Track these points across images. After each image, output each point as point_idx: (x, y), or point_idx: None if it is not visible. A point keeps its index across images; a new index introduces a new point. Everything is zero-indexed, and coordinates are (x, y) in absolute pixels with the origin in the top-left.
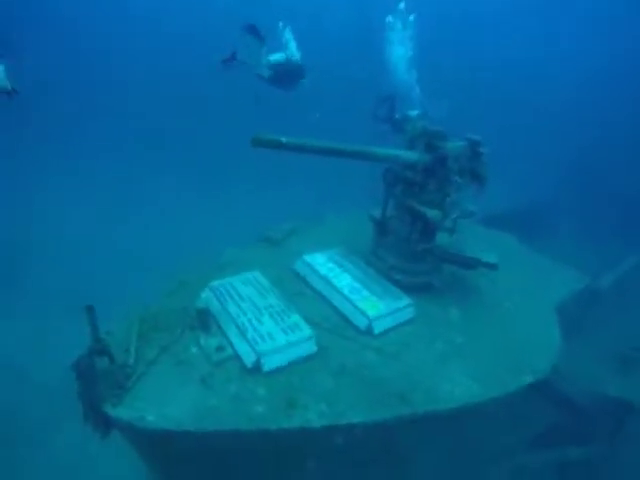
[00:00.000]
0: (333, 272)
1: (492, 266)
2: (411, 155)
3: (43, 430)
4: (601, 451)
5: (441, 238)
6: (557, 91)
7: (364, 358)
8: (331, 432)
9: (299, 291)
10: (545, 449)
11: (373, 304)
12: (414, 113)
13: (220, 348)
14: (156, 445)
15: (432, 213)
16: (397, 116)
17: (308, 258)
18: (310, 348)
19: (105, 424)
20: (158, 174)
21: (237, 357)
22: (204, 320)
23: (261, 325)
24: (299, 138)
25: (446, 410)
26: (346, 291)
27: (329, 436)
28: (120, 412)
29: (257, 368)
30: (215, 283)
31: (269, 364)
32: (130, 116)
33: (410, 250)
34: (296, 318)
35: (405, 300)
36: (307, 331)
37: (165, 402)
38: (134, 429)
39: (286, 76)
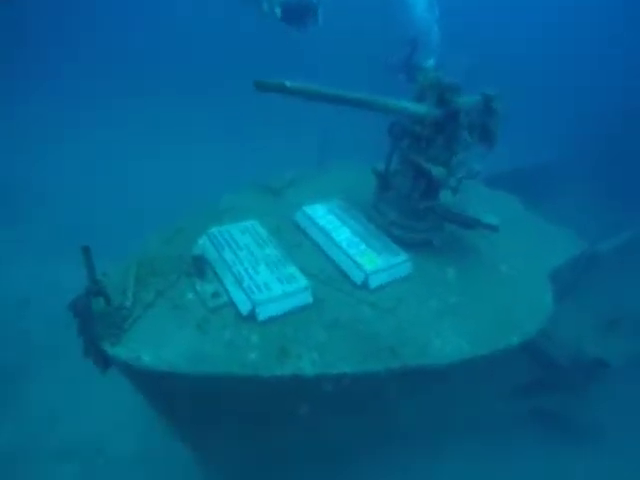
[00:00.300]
0: (332, 225)
1: (493, 228)
2: (420, 108)
3: (43, 358)
4: (572, 403)
5: (444, 196)
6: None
7: (358, 312)
8: (322, 380)
9: (297, 242)
10: (522, 399)
11: (371, 259)
12: (429, 62)
13: (216, 294)
14: (151, 384)
15: (437, 170)
16: (415, 63)
17: (308, 209)
18: (306, 299)
19: (104, 361)
20: (160, 119)
21: (232, 304)
22: (200, 266)
23: (257, 274)
24: (304, 83)
25: (434, 365)
26: (344, 244)
27: (320, 384)
28: (118, 351)
29: (252, 316)
30: (213, 230)
31: (264, 313)
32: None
33: (411, 207)
34: (293, 269)
35: (403, 256)
36: (303, 282)
37: (161, 344)
38: (131, 368)
39: (298, 13)
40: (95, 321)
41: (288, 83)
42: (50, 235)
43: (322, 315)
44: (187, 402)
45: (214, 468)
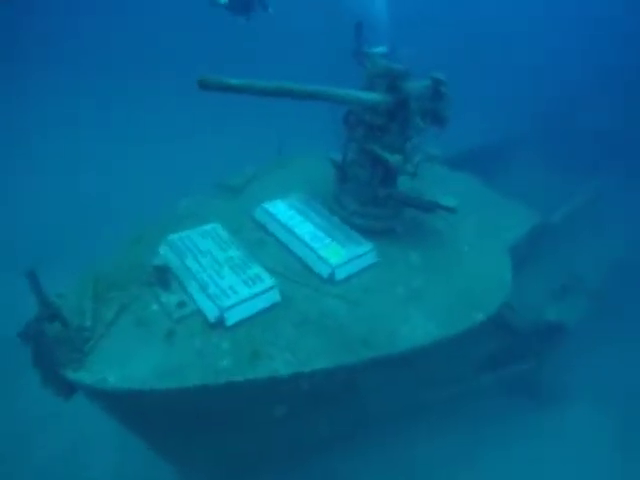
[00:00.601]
0: (294, 220)
1: (451, 209)
2: (373, 97)
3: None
4: (535, 368)
5: (403, 182)
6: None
7: (327, 306)
8: (297, 379)
9: (260, 240)
10: (489, 370)
11: (335, 251)
12: (378, 49)
13: (181, 304)
14: (121, 405)
15: (393, 158)
16: (363, 49)
17: (268, 206)
18: (273, 298)
19: (67, 388)
20: (100, 117)
21: (199, 312)
22: (163, 277)
23: (222, 279)
24: (250, 79)
25: (405, 351)
26: (307, 239)
27: (295, 383)
28: (81, 376)
29: (221, 322)
30: (173, 237)
31: (232, 318)
32: None
33: (371, 195)
34: (257, 269)
35: (366, 246)
36: (269, 281)
37: (128, 362)
38: (97, 391)
39: (244, 1)
40: (52, 348)
41: (234, 81)
42: None
43: (291, 313)
44: (161, 418)
45: (196, 477)
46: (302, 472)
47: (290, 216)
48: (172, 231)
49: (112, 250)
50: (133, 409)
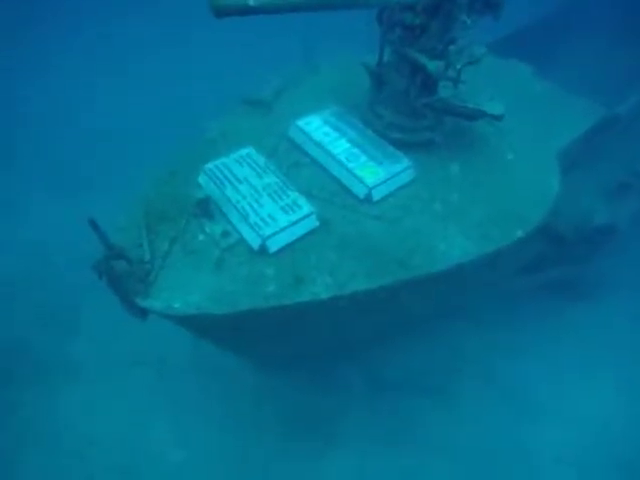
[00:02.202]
0: (329, 137)
1: (497, 117)
2: None
3: (87, 292)
4: (580, 270)
5: (444, 88)
6: None
7: (364, 227)
8: (337, 300)
9: (296, 161)
10: (531, 274)
11: (372, 171)
12: None
13: (225, 234)
14: (187, 324)
15: (433, 65)
16: None
17: (301, 123)
18: (312, 224)
19: (141, 312)
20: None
21: (243, 240)
22: (206, 209)
23: (261, 207)
24: None
25: (442, 271)
26: (343, 158)
27: (336, 303)
28: (150, 303)
29: (264, 250)
30: (210, 166)
31: (274, 245)
32: None
33: (409, 105)
34: (295, 195)
35: (404, 162)
36: (307, 208)
37: (187, 289)
38: (165, 316)
39: None
40: (122, 281)
41: (252, 1)
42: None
43: (330, 236)
44: (222, 331)
45: (257, 366)
46: (349, 363)
47: (325, 133)
48: (208, 157)
49: (154, 178)
50: (197, 326)
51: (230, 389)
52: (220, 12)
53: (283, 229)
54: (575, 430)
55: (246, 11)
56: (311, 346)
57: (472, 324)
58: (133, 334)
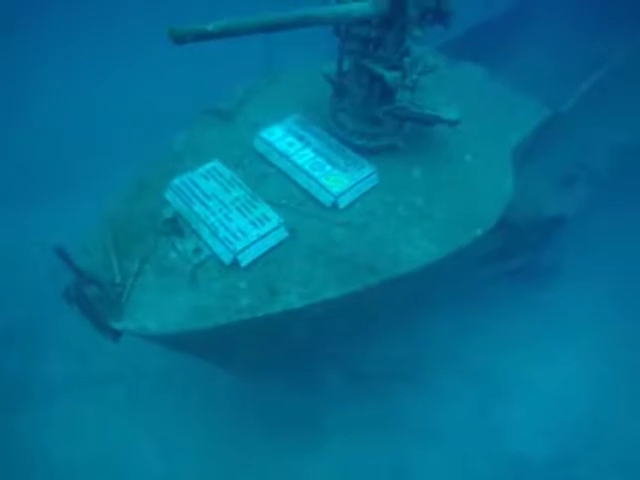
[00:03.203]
0: (294, 147)
1: (453, 122)
2: (364, 7)
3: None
4: (535, 257)
5: (401, 95)
6: None
7: (332, 235)
8: (310, 308)
9: (262, 172)
10: (490, 264)
11: (337, 179)
12: None
13: (197, 250)
14: (162, 341)
15: (390, 76)
16: None
17: (265, 134)
18: (281, 235)
19: (114, 333)
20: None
21: (215, 256)
22: (175, 227)
23: (231, 222)
24: (228, 20)
25: (407, 273)
26: (308, 167)
27: (309, 311)
28: (124, 325)
29: (235, 264)
30: (176, 182)
31: (246, 259)
32: None
33: (369, 113)
34: (263, 208)
35: (368, 169)
36: (275, 221)
37: (160, 309)
38: (140, 335)
39: None
40: (94, 306)
41: (210, 26)
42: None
43: (299, 246)
44: (197, 346)
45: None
46: (325, 360)
47: (289, 143)
48: (173, 172)
49: (120, 195)
50: (172, 342)
51: (208, 395)
52: (179, 39)
53: (253, 242)
54: (538, 404)
55: (205, 36)
56: (287, 350)
57: (437, 312)
58: (103, 350)
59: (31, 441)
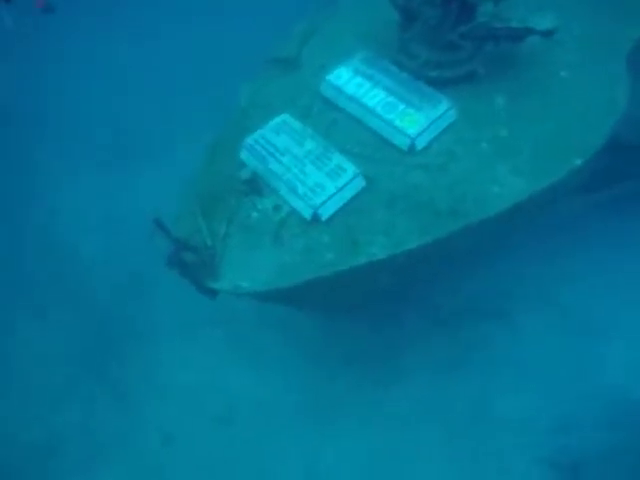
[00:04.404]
0: (363, 88)
1: (548, 33)
2: None
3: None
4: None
5: (483, 9)
6: None
7: (411, 179)
8: (394, 259)
9: (333, 120)
10: (591, 192)
11: (412, 119)
12: None
13: (277, 207)
14: (256, 297)
15: None
16: None
17: (332, 78)
18: (359, 185)
19: (212, 292)
20: None
21: (295, 212)
22: (254, 186)
23: (307, 176)
24: None
25: (496, 214)
26: (380, 110)
27: (393, 261)
28: (220, 285)
29: (316, 219)
30: (249, 140)
31: (326, 213)
32: None
33: (444, 38)
34: (338, 159)
35: (444, 104)
36: (351, 171)
37: (250, 268)
38: (235, 294)
39: None
40: (192, 269)
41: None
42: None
43: (378, 194)
44: (287, 299)
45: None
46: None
47: (358, 84)
48: (244, 129)
49: (199, 160)
50: (263, 297)
51: (298, 337)
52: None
53: (332, 196)
54: (634, 344)
55: None
56: (369, 294)
57: (524, 246)
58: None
59: (157, 371)
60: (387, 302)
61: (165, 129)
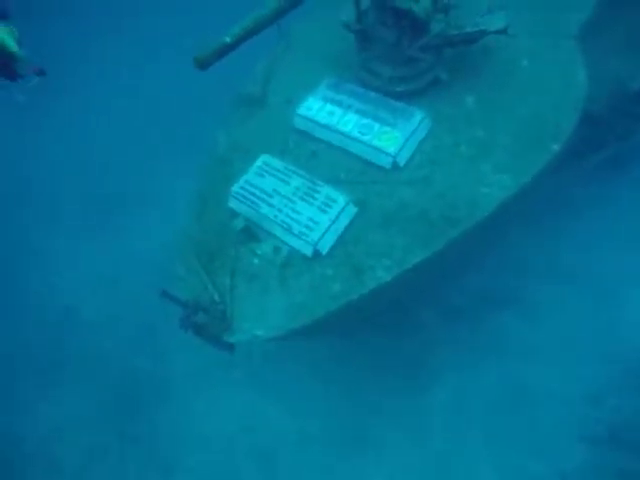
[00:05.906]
0: (335, 115)
1: (502, 31)
2: None
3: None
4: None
5: (435, 21)
6: None
7: (400, 196)
8: (400, 277)
9: (311, 151)
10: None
11: (389, 137)
12: None
13: (276, 249)
14: (273, 341)
15: (419, 7)
16: None
17: (303, 110)
18: (351, 212)
19: (230, 346)
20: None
21: (294, 251)
22: (249, 234)
23: (299, 214)
24: (239, 23)
25: (489, 214)
26: (357, 133)
27: (400, 279)
28: (236, 338)
29: (317, 254)
30: (235, 189)
31: (325, 246)
32: None
33: (404, 54)
34: (326, 190)
35: (418, 116)
36: (342, 200)
37: (263, 315)
38: (253, 343)
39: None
40: (207, 328)
41: (228, 38)
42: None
43: (372, 217)
44: (302, 335)
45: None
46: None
47: (329, 112)
48: (226, 177)
49: (190, 219)
50: (281, 339)
51: (315, 363)
52: (204, 64)
53: (327, 228)
54: None
55: (226, 50)
56: (383, 308)
57: (526, 227)
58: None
59: (171, 427)
60: (400, 309)
61: (146, 182)
